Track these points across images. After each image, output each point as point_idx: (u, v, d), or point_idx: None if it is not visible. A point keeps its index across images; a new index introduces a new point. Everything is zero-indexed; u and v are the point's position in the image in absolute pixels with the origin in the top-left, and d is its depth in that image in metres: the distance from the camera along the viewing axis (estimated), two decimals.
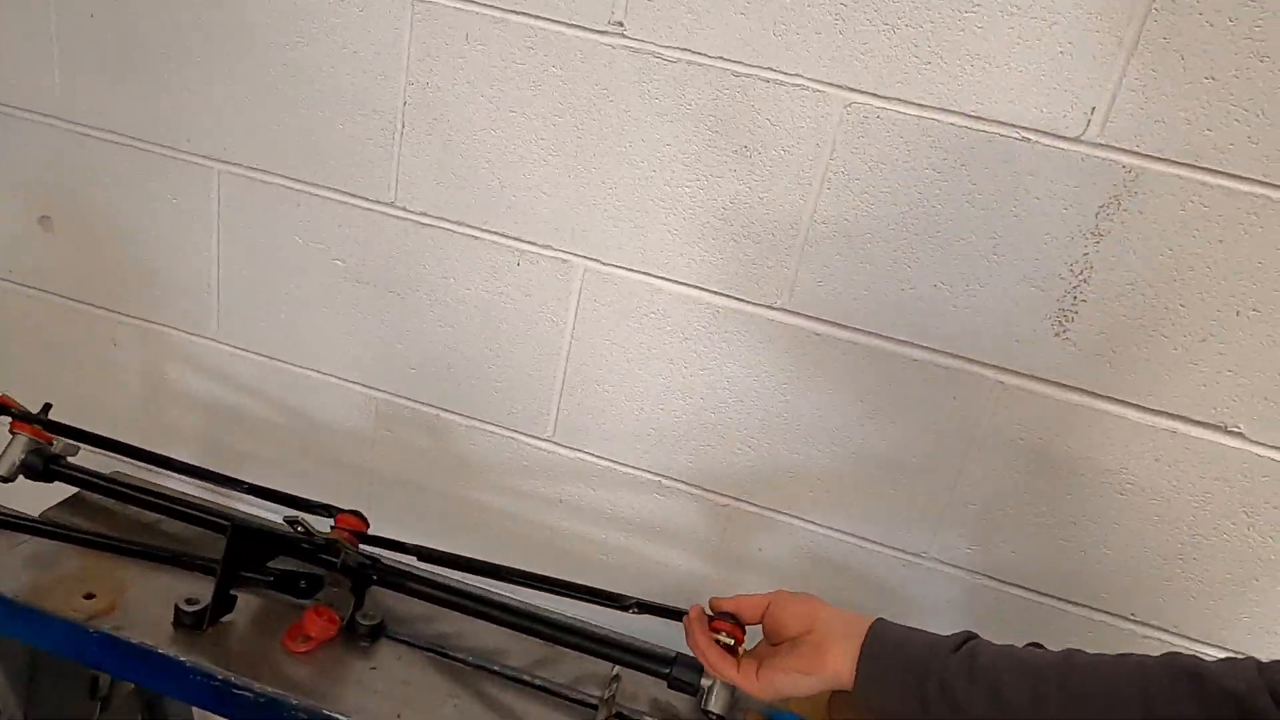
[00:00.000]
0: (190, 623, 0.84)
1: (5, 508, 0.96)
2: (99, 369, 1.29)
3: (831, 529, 1.09)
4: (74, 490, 1.02)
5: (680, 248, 1.01)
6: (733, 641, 0.80)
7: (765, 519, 1.11)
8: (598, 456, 1.14)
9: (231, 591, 0.85)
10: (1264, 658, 1.00)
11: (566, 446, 1.15)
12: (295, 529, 0.82)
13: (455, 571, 0.94)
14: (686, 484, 1.12)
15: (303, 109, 1.07)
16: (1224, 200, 0.85)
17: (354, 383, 1.20)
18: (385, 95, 1.04)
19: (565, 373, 1.11)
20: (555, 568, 1.21)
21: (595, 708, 0.87)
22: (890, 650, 0.72)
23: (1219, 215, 0.85)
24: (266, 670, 0.83)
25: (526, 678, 0.89)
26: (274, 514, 1.06)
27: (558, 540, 1.19)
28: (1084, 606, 1.04)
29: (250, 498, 1.04)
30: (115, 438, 1.05)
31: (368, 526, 0.99)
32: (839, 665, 0.72)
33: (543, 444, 1.15)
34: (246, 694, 0.81)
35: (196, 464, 1.07)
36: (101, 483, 0.98)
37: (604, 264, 1.04)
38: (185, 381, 1.26)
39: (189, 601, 0.84)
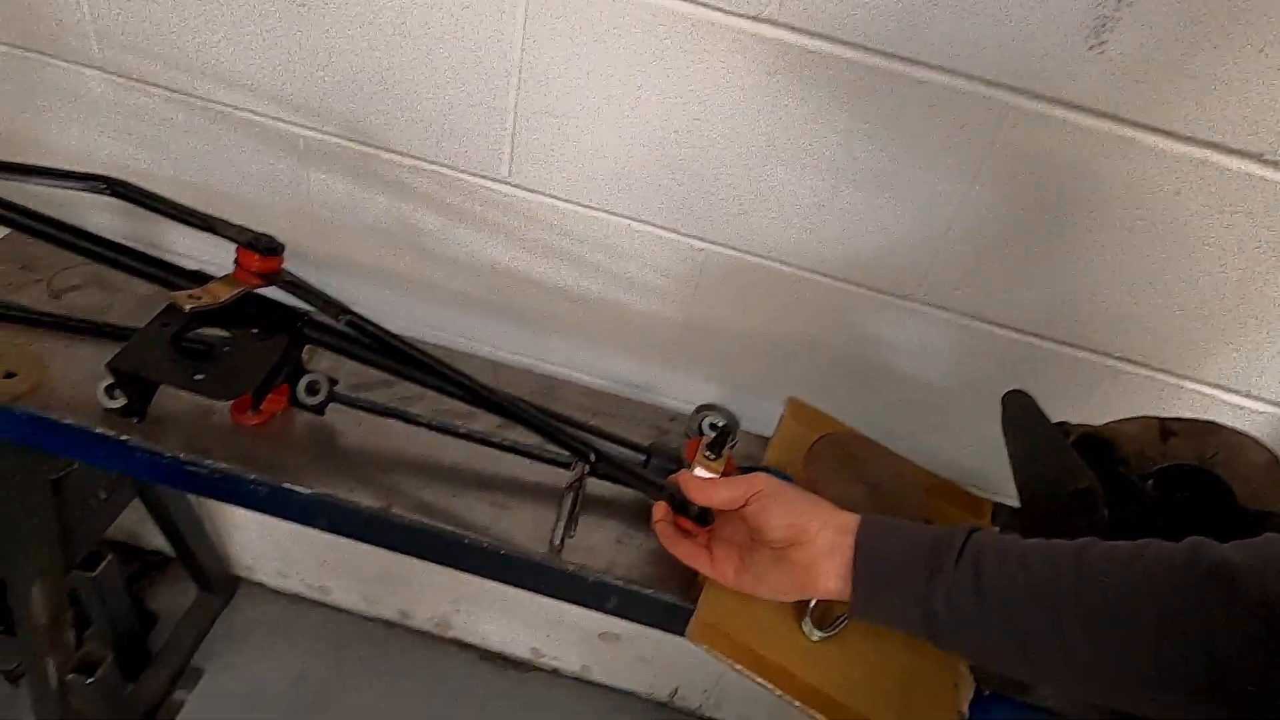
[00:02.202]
0: (119, 410, 0.77)
1: None
2: None
3: (815, 272, 1.02)
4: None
5: None
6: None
7: (743, 263, 1.03)
8: (561, 199, 1.03)
9: (150, 391, 0.77)
10: (1242, 390, 1.01)
11: (525, 189, 1.03)
12: (189, 303, 0.71)
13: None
14: (659, 227, 1.02)
15: None
16: None
17: (272, 117, 1.04)
18: None
19: (517, 102, 0.96)
20: (528, 320, 1.15)
21: (568, 466, 0.85)
22: (886, 566, 0.62)
23: None
24: (218, 446, 0.79)
25: (494, 439, 0.86)
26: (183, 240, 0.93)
27: (522, 292, 1.12)
28: (1070, 345, 1.01)
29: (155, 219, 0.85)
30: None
31: (280, 260, 0.78)
32: (830, 586, 0.64)
33: (498, 186, 1.03)
34: (199, 470, 0.77)
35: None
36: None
37: None
38: (67, 113, 1.09)
39: (109, 394, 0.77)
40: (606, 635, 1.64)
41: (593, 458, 0.77)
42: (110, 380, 0.77)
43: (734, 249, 1.02)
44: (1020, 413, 0.87)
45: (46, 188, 0.75)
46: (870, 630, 0.76)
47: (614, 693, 1.76)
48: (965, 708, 0.74)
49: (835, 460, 0.84)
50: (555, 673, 1.77)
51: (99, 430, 0.77)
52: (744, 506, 0.68)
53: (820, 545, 0.64)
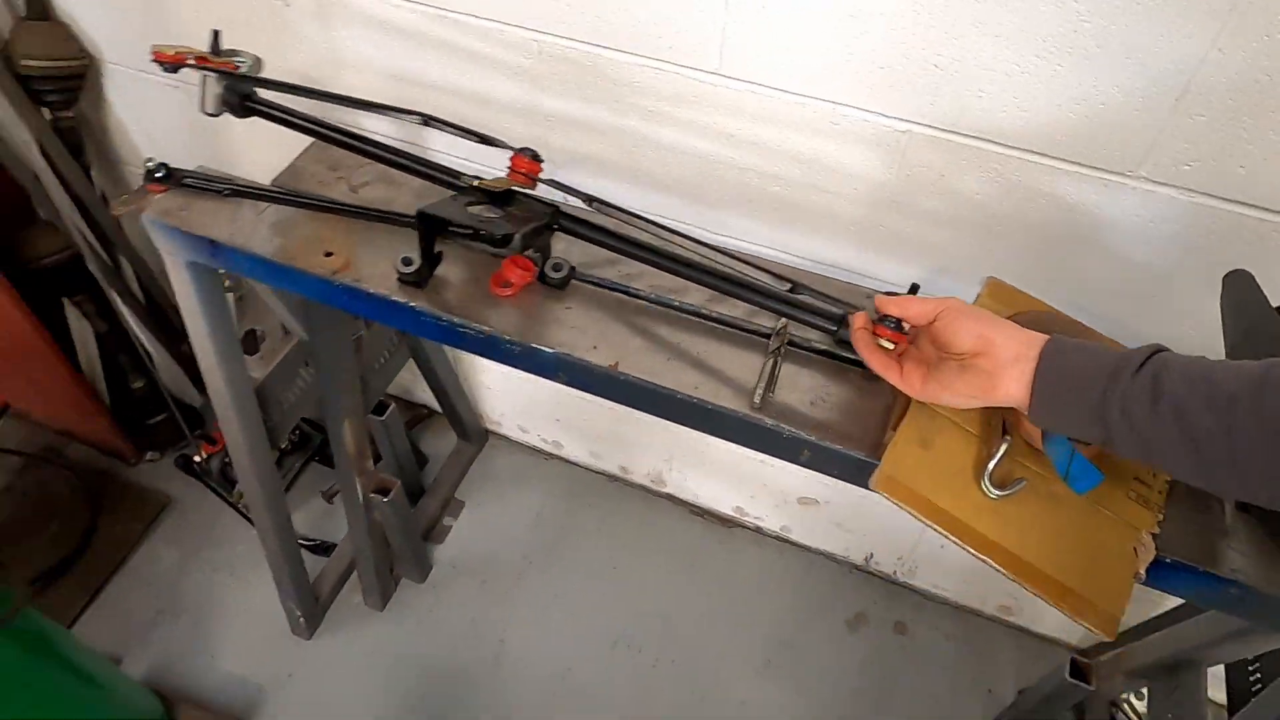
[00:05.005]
0: (411, 282, 0.97)
1: (244, 179, 1.09)
2: (277, 27, 1.33)
3: (1024, 150, 1.00)
4: (288, 163, 1.14)
5: None
6: (891, 346, 0.78)
7: (946, 143, 1.03)
8: (768, 87, 1.08)
9: (436, 250, 0.96)
10: None
11: (734, 78, 1.09)
12: (473, 185, 0.88)
13: (625, 220, 0.98)
14: (862, 109, 1.05)
15: None
16: None
17: (510, 24, 1.16)
18: None
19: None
20: (728, 203, 1.24)
21: (768, 337, 0.95)
22: (1066, 375, 0.66)
23: None
24: (480, 311, 0.96)
25: (704, 312, 0.97)
26: (456, 151, 1.10)
27: (729, 176, 1.20)
28: None
29: (435, 131, 1.05)
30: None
31: (541, 167, 0.97)
32: (1011, 391, 0.68)
33: (709, 77, 1.10)
34: (469, 332, 0.96)
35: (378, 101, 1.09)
36: (298, 120, 1.00)
37: None
38: (357, 38, 1.28)
39: (405, 263, 0.97)
40: (805, 500, 1.77)
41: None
42: (405, 255, 0.97)
43: (937, 128, 1.03)
44: (1240, 294, 0.85)
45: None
46: (1049, 493, 0.81)
47: (812, 553, 1.90)
48: (1143, 570, 0.78)
49: None
50: (758, 530, 1.94)
51: (395, 298, 0.97)
52: (934, 322, 0.74)
53: (1005, 354, 0.68)
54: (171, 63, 0.95)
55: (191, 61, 0.96)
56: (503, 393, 1.95)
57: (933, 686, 1.71)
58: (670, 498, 1.99)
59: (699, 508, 1.97)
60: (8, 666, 1.17)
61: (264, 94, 1.01)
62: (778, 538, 1.93)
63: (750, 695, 1.69)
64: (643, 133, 1.21)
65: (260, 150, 1.53)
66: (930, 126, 1.03)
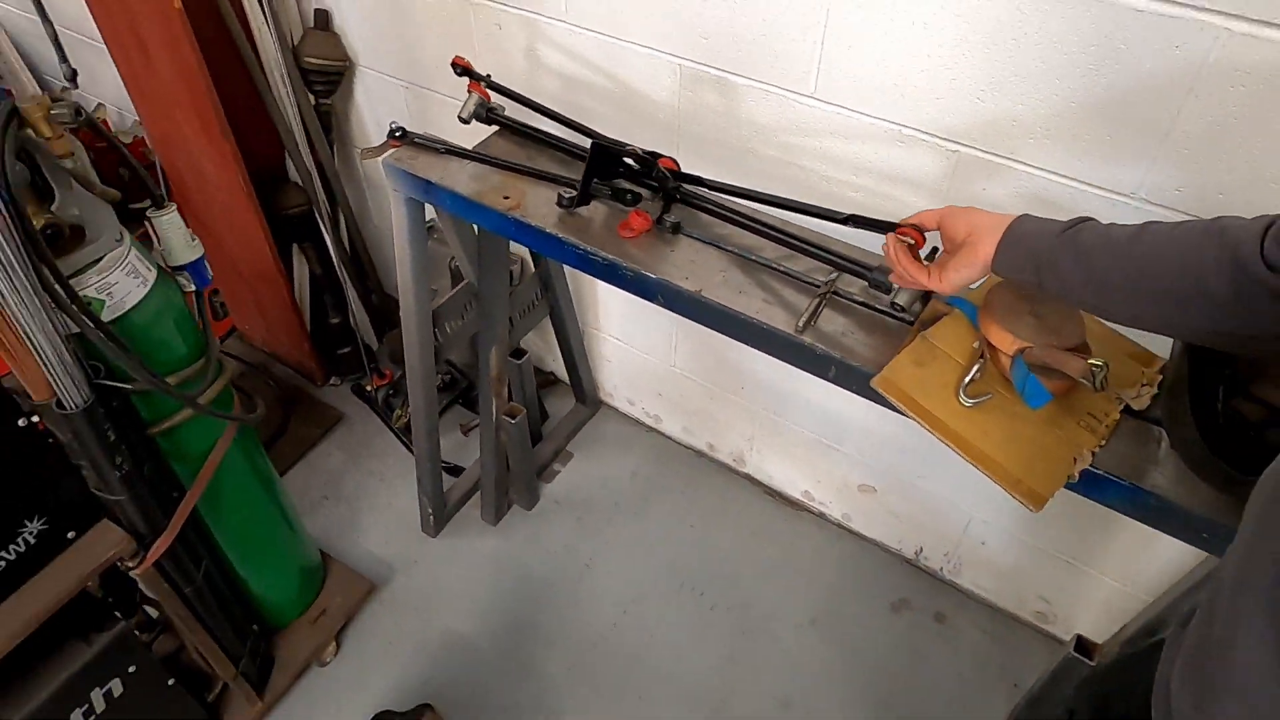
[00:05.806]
0: (567, 204, 1.32)
1: (454, 143, 1.51)
2: (491, 45, 1.77)
3: (1047, 170, 1.27)
4: (492, 131, 1.55)
5: None
6: (913, 243, 1.07)
7: (988, 163, 1.31)
8: (849, 109, 1.39)
9: (590, 191, 1.32)
10: None
11: (825, 101, 1.41)
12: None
13: (730, 198, 1.32)
14: (923, 132, 1.34)
15: None
16: None
17: (663, 52, 1.54)
18: None
19: (824, 38, 1.34)
20: (814, 201, 1.54)
21: (819, 286, 1.24)
22: (1018, 239, 0.93)
23: None
24: (608, 246, 1.31)
25: (775, 265, 1.28)
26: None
27: (817, 183, 1.51)
28: None
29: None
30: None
31: (679, 168, 1.34)
32: (986, 255, 0.95)
33: (806, 99, 1.43)
34: (598, 259, 1.31)
35: (563, 114, 1.51)
36: (516, 125, 1.49)
37: None
38: (548, 55, 1.70)
39: (566, 189, 1.33)
40: (864, 487, 2.00)
41: (849, 222, 1.18)
42: (565, 189, 1.34)
43: (980, 150, 1.30)
44: None
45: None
46: (1013, 412, 1.06)
47: (867, 542, 2.11)
48: (1077, 473, 1.01)
49: (1012, 294, 1.11)
50: (821, 516, 2.17)
51: (549, 231, 1.34)
52: (941, 223, 1.02)
53: (984, 229, 0.95)
54: (464, 67, 1.46)
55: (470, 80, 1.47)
56: (618, 365, 2.30)
57: (961, 670, 1.87)
58: (748, 477, 2.26)
59: (772, 489, 2.23)
60: (243, 475, 1.59)
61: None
62: (839, 525, 2.15)
63: (792, 645, 1.92)
64: (752, 145, 1.54)
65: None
66: (974, 147, 1.31)
